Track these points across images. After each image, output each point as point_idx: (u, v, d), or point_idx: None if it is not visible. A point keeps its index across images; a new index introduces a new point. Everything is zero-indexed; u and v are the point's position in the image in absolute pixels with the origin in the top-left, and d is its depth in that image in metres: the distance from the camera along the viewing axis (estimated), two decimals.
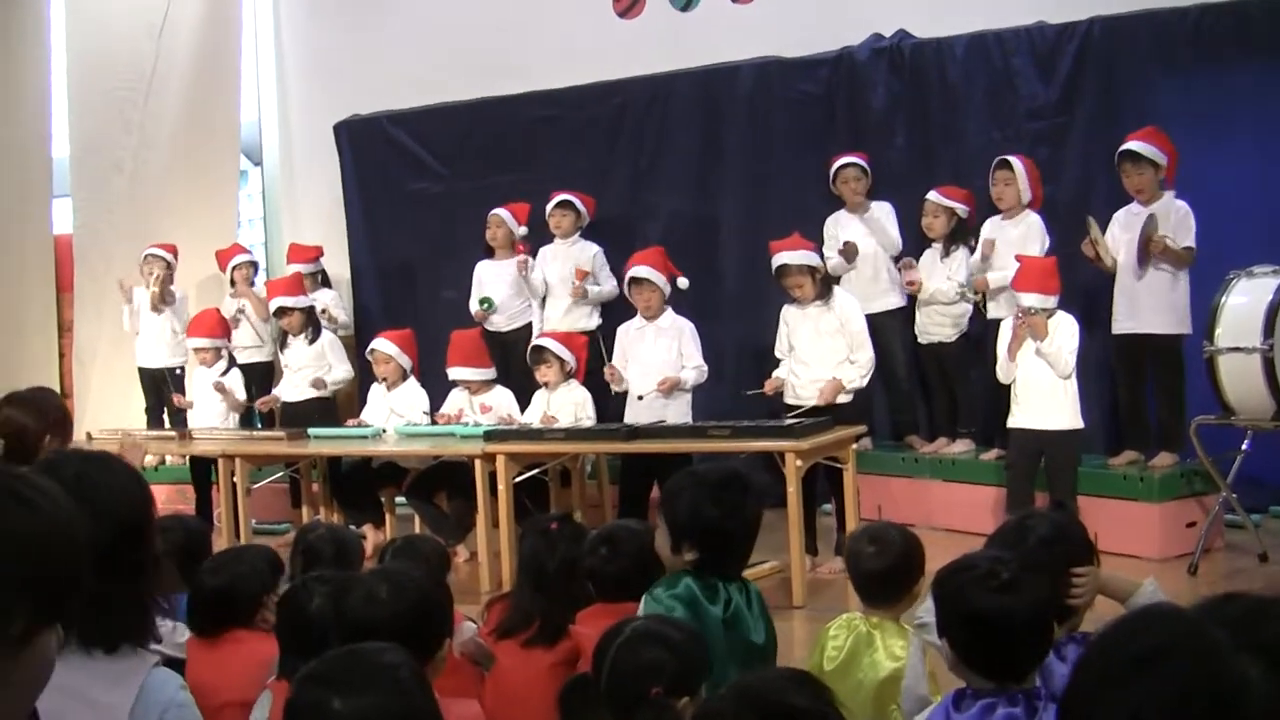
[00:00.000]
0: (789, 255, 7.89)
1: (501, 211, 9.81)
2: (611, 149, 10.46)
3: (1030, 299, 7.44)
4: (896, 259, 8.97)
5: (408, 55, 11.37)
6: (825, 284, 7.95)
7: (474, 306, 9.79)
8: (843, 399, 7.81)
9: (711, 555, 3.75)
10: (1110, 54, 8.82)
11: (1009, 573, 3.04)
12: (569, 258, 9.60)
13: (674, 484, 3.90)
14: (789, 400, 7.92)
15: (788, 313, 8.02)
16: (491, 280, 9.82)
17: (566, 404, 8.47)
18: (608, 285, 9.50)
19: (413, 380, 9.17)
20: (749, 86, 9.96)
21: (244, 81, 12.11)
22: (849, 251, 8.80)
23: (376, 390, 9.26)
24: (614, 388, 8.43)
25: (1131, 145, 7.85)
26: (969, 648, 3.08)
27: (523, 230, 9.81)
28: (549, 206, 9.71)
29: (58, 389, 11.41)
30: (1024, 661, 3.04)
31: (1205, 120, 8.38)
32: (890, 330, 8.73)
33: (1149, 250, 7.63)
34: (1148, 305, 7.80)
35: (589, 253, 9.63)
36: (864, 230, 9.00)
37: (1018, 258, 7.82)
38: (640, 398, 8.26)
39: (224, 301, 10.79)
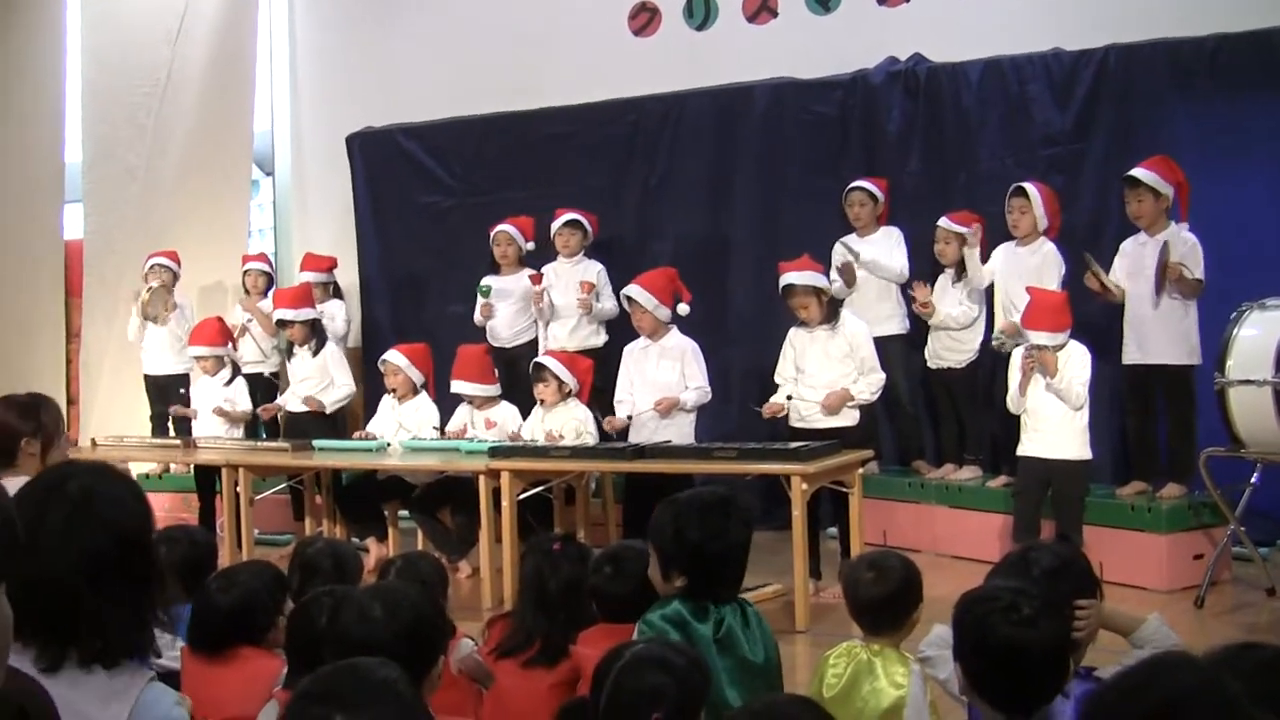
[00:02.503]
0: (795, 275, 7.87)
1: (510, 228, 9.78)
2: (624, 166, 10.44)
3: (1040, 337, 7.39)
4: (905, 287, 8.96)
5: (422, 69, 11.39)
6: (832, 306, 7.93)
7: (478, 311, 9.76)
8: (847, 418, 7.80)
9: (700, 580, 3.76)
10: (1126, 82, 8.79)
11: (1030, 608, 3.02)
12: (574, 277, 9.57)
13: (659, 513, 3.89)
14: (795, 424, 7.90)
15: (794, 336, 8.00)
16: (498, 295, 9.78)
17: (566, 421, 8.45)
18: (609, 304, 9.46)
19: (424, 395, 9.14)
20: (763, 107, 9.94)
21: (257, 91, 12.11)
22: (847, 271, 8.76)
23: (387, 402, 9.24)
24: (609, 427, 8.40)
25: (1133, 171, 7.83)
26: (982, 677, 3.06)
27: (530, 245, 9.78)
28: (556, 225, 9.68)
29: (64, 395, 11.40)
30: (1035, 696, 3.02)
31: (1222, 149, 8.35)
32: (893, 355, 8.66)
33: (1166, 276, 7.59)
34: (1156, 336, 7.76)
35: (593, 270, 9.61)
36: (871, 254, 8.97)
37: (1029, 290, 7.79)
38: (630, 418, 8.26)
39: (233, 309, 10.79)
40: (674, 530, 3.78)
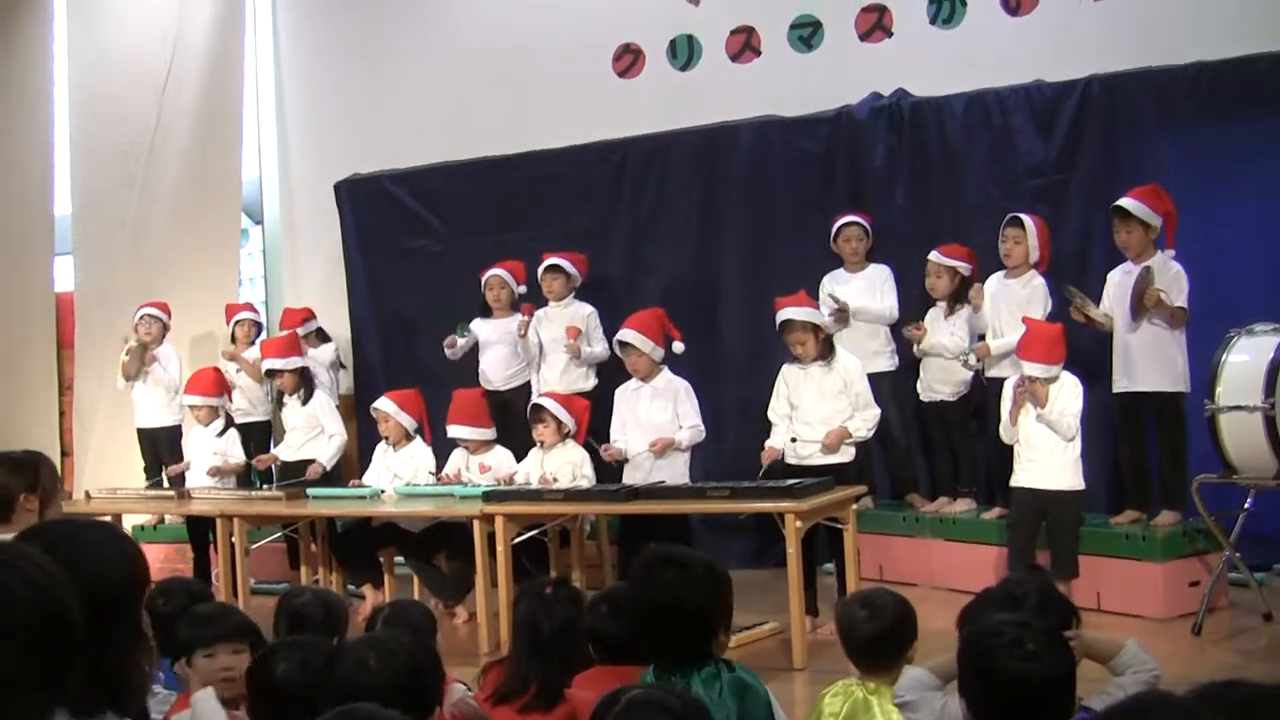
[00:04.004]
0: (794, 311, 7.88)
1: (502, 272, 9.78)
2: (612, 207, 10.45)
3: (1034, 369, 7.41)
4: (895, 327, 8.99)
5: (408, 115, 11.41)
6: (828, 343, 7.94)
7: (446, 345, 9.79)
8: (844, 454, 7.81)
9: (657, 645, 3.66)
10: (1109, 111, 8.83)
11: (1035, 642, 3.02)
12: (562, 320, 9.58)
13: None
14: (790, 461, 7.90)
15: (788, 373, 8.00)
16: (488, 338, 9.82)
17: (563, 464, 8.44)
18: (599, 347, 9.48)
19: (418, 441, 9.13)
20: (749, 145, 9.96)
21: (245, 139, 12.14)
22: (842, 317, 8.77)
23: (380, 449, 9.24)
24: (607, 457, 8.39)
25: (1122, 202, 7.86)
26: (988, 712, 3.06)
27: (522, 289, 9.80)
28: (540, 270, 9.70)
29: (58, 447, 11.40)
30: None
31: (1206, 177, 8.39)
32: (885, 392, 8.61)
33: (1143, 303, 7.62)
34: (1143, 364, 7.79)
35: (583, 313, 9.62)
36: (861, 289, 9.00)
37: (1025, 320, 7.81)
38: (626, 460, 8.29)
39: (220, 359, 10.80)
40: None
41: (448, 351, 9.79)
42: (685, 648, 3.62)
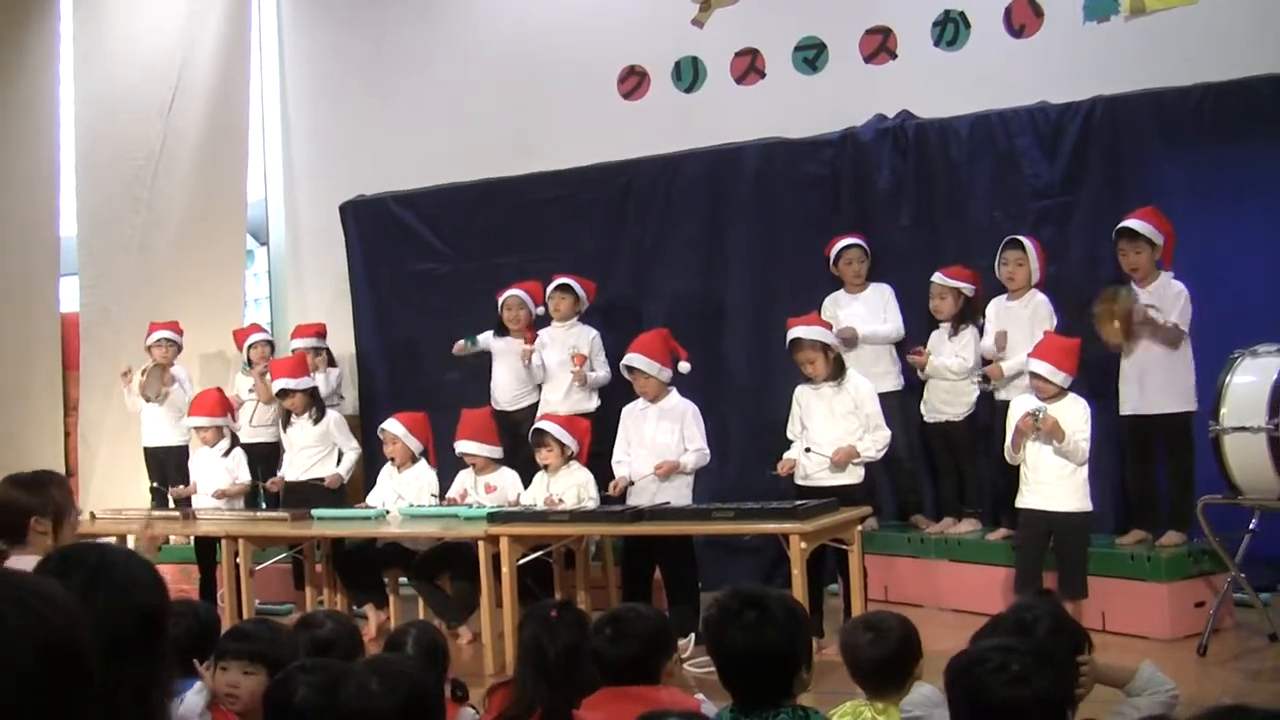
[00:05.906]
0: (803, 330, 7.91)
1: (520, 293, 9.77)
2: (617, 229, 10.46)
3: (1041, 367, 7.44)
4: (899, 346, 9.00)
5: (414, 136, 11.46)
6: (838, 364, 7.95)
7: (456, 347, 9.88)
8: (853, 475, 7.83)
9: (737, 688, 3.60)
10: (1113, 133, 8.83)
11: (1021, 665, 3.01)
12: (566, 341, 9.59)
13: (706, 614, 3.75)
14: (799, 481, 7.90)
15: (800, 393, 8.02)
16: (501, 356, 9.85)
17: (569, 486, 8.45)
18: (602, 371, 9.48)
19: (423, 463, 9.13)
20: (754, 167, 9.98)
21: (251, 161, 12.17)
22: (848, 340, 8.77)
23: (386, 471, 9.24)
24: (614, 491, 8.39)
25: (1129, 223, 7.87)
26: None
27: (540, 309, 9.81)
28: (548, 290, 9.72)
29: (63, 468, 11.38)
30: None
31: (1210, 198, 8.39)
32: (891, 411, 8.55)
33: (1131, 324, 7.63)
34: (1153, 386, 7.79)
35: (587, 336, 9.63)
36: (863, 310, 9.01)
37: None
38: (632, 483, 8.28)
39: (236, 379, 10.81)
40: (710, 632, 3.66)
41: (455, 351, 9.85)
42: (766, 690, 3.55)
